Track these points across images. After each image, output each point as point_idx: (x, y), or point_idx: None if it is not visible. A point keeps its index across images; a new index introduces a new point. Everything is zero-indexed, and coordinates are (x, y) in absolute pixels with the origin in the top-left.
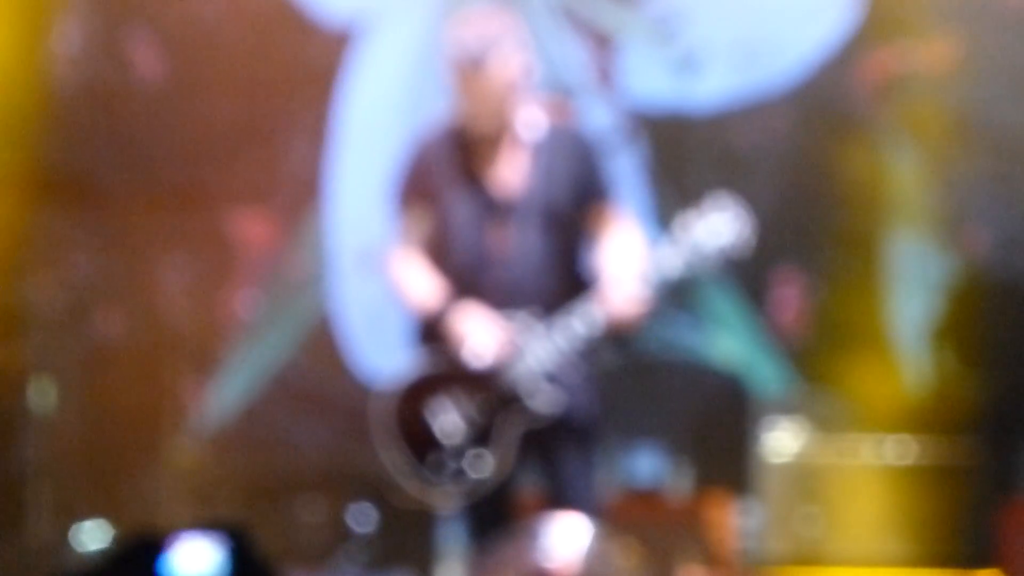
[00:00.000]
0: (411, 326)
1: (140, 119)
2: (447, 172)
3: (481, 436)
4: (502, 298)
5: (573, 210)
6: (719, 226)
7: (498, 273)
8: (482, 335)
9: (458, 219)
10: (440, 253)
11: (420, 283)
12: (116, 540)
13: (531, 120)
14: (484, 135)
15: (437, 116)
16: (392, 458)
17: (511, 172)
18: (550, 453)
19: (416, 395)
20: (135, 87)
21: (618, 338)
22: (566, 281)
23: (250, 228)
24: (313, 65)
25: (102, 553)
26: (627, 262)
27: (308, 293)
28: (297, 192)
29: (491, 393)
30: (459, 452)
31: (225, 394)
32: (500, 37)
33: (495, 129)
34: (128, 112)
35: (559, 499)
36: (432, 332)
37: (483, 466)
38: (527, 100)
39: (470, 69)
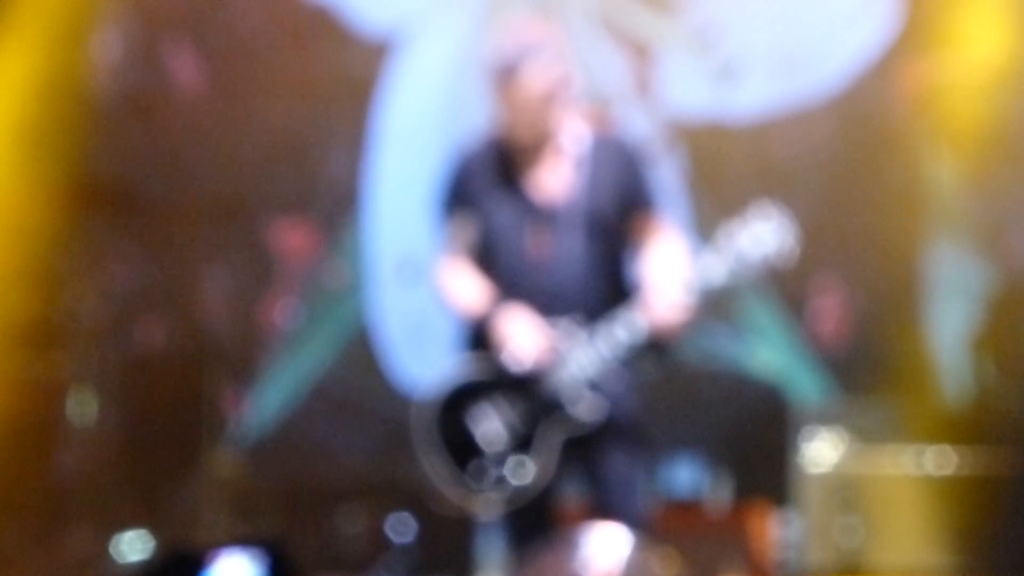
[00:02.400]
0: (458, 331)
1: (180, 129)
2: (489, 180)
3: (523, 443)
4: (545, 305)
5: (617, 218)
6: (763, 235)
7: (541, 280)
8: (524, 339)
9: (501, 226)
10: (484, 260)
11: (467, 288)
12: (156, 551)
13: (574, 129)
14: (524, 144)
15: (478, 126)
16: (433, 465)
17: (553, 180)
18: (592, 461)
19: (458, 402)
20: (175, 97)
21: (660, 346)
22: (609, 289)
23: (289, 237)
24: (352, 75)
25: (142, 566)
26: (670, 270)
27: (347, 302)
28: (336, 201)
29: (533, 400)
30: (501, 459)
31: (264, 404)
32: (538, 46)
33: (535, 138)
34: (168, 122)
35: (601, 508)
36: (479, 336)
37: (524, 473)
38: (568, 109)
39: (508, 78)
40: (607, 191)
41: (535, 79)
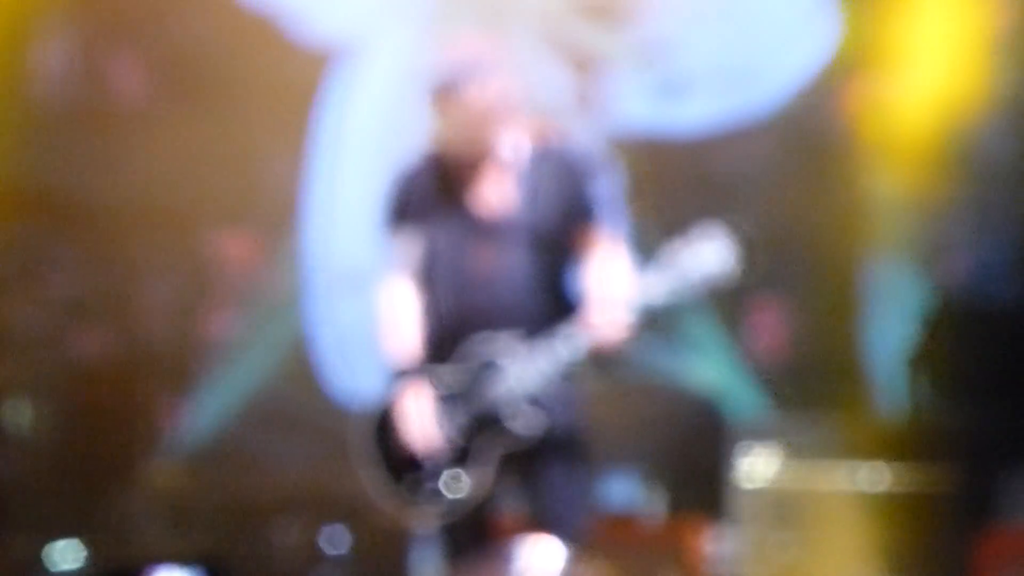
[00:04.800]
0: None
1: (119, 137)
2: (432, 197)
3: (459, 456)
4: (486, 319)
5: (559, 231)
6: (707, 255)
7: (482, 294)
8: (418, 427)
9: (444, 242)
10: (427, 277)
11: (401, 332)
12: (90, 560)
13: (515, 143)
14: (465, 159)
15: (420, 141)
16: (369, 478)
17: (495, 195)
18: (529, 474)
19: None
20: (114, 105)
21: (601, 362)
22: (551, 303)
23: (228, 248)
24: (295, 84)
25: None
26: (613, 286)
27: (285, 314)
28: (276, 213)
29: (471, 413)
30: (437, 472)
31: (201, 415)
32: (477, 62)
33: (476, 153)
34: (107, 130)
35: (538, 522)
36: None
37: (460, 486)
38: (510, 123)
39: (447, 95)
40: (549, 203)
41: (476, 95)
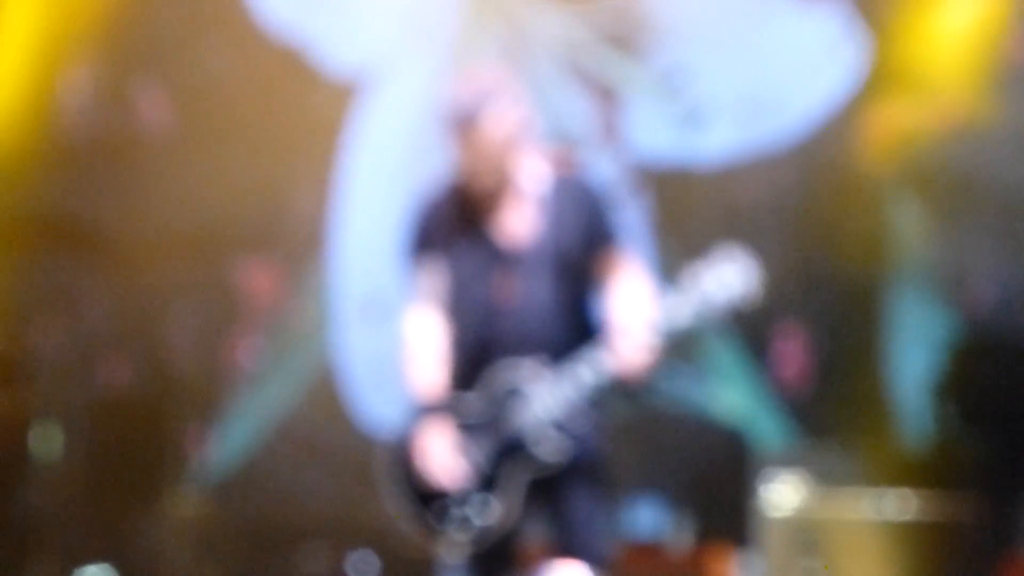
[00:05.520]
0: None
1: (147, 168)
2: (454, 227)
3: (487, 483)
4: (510, 346)
5: (582, 257)
6: (728, 277)
7: (506, 322)
8: (439, 462)
9: (466, 272)
10: (451, 306)
11: (424, 365)
12: None
13: (535, 172)
14: (486, 189)
15: (441, 171)
16: (396, 505)
17: (517, 223)
18: (555, 501)
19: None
20: (142, 136)
21: (626, 387)
22: (574, 329)
23: (255, 277)
24: (319, 116)
25: None
26: (635, 311)
27: (311, 343)
28: (302, 241)
29: (498, 440)
30: (464, 499)
31: (228, 443)
32: (495, 93)
33: (495, 183)
34: (135, 161)
35: (564, 548)
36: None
37: (488, 513)
38: (529, 152)
39: (465, 127)
40: (571, 231)
41: (494, 125)
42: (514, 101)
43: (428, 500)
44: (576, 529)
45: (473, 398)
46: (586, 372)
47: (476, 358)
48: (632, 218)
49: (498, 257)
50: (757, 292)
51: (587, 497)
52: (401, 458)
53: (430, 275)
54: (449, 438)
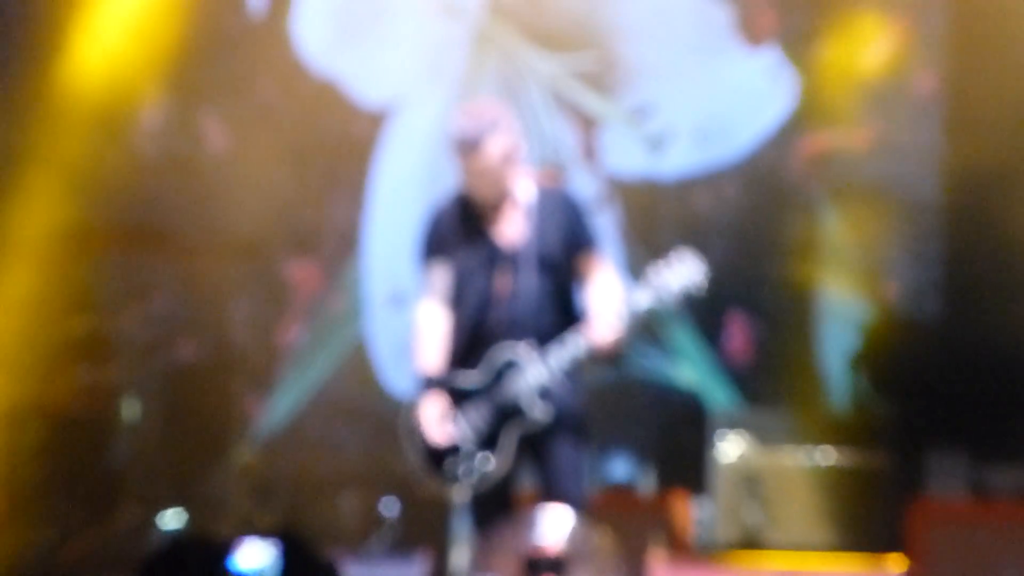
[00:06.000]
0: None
1: (210, 182)
2: (459, 231)
3: (487, 440)
4: (507, 331)
5: (564, 257)
6: (681, 272)
7: (503, 311)
8: (433, 425)
9: (470, 269)
10: (456, 297)
11: (429, 348)
12: (189, 524)
13: (525, 187)
14: (487, 201)
15: (450, 185)
16: (414, 458)
17: (512, 229)
18: (543, 454)
19: (418, 416)
20: (206, 155)
21: (601, 360)
22: (559, 317)
23: (300, 273)
24: (353, 139)
25: (175, 543)
26: (608, 300)
27: (346, 327)
28: (338, 244)
29: (495, 405)
30: (470, 454)
31: (278, 407)
32: (493, 123)
33: (495, 196)
34: (201, 176)
35: (550, 493)
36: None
37: (488, 464)
38: (521, 171)
39: (470, 149)
40: (554, 235)
41: (494, 149)
42: (510, 128)
43: (439, 455)
44: (560, 477)
45: (476, 372)
46: (569, 348)
47: (478, 340)
48: (605, 224)
49: (496, 256)
50: (704, 283)
51: (570, 450)
52: (413, 421)
53: (438, 273)
54: (442, 406)
